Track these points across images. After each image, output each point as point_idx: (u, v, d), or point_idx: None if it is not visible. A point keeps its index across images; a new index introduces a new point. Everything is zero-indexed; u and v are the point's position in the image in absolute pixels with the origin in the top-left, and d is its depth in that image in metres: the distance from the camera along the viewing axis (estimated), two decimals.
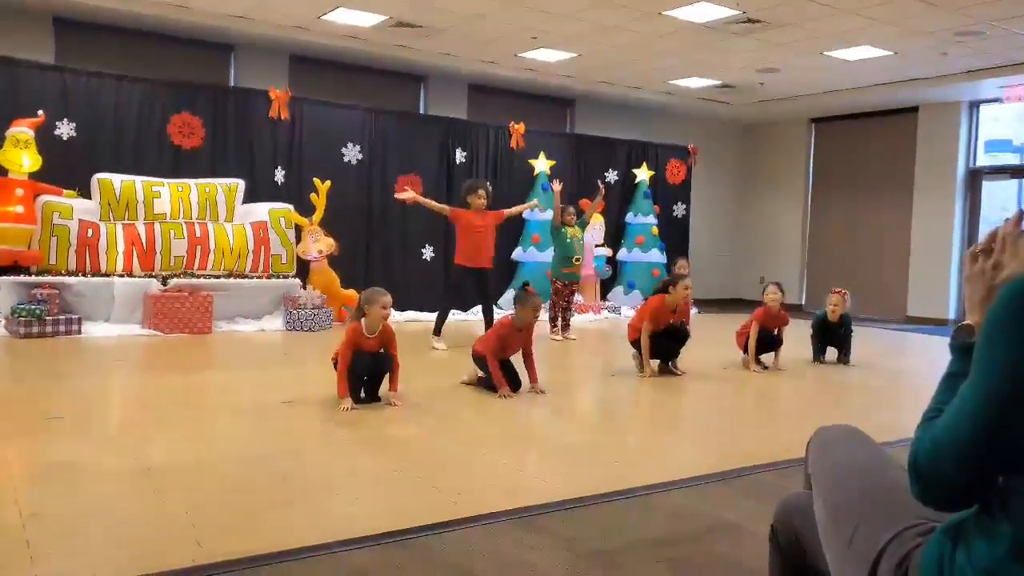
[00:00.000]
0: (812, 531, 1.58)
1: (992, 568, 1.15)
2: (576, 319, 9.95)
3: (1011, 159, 11.90)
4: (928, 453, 1.22)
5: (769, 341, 6.99)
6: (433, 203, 7.87)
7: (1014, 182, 11.98)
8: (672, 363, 6.57)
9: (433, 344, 7.36)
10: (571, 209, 8.99)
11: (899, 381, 7.00)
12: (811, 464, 1.71)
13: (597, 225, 11.55)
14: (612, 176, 12.36)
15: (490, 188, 7.87)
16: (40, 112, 7.92)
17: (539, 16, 8.80)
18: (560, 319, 8.73)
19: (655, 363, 6.45)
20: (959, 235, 12.11)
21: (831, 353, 7.55)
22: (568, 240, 8.65)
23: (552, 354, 7.67)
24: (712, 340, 8.58)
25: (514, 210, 8.30)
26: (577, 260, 8.69)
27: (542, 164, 11.36)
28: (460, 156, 10.83)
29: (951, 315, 12.04)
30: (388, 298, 4.89)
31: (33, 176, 7.81)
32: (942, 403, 1.28)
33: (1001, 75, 10.36)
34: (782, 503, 1.79)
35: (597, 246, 11.51)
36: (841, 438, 1.72)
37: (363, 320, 4.87)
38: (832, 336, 7.47)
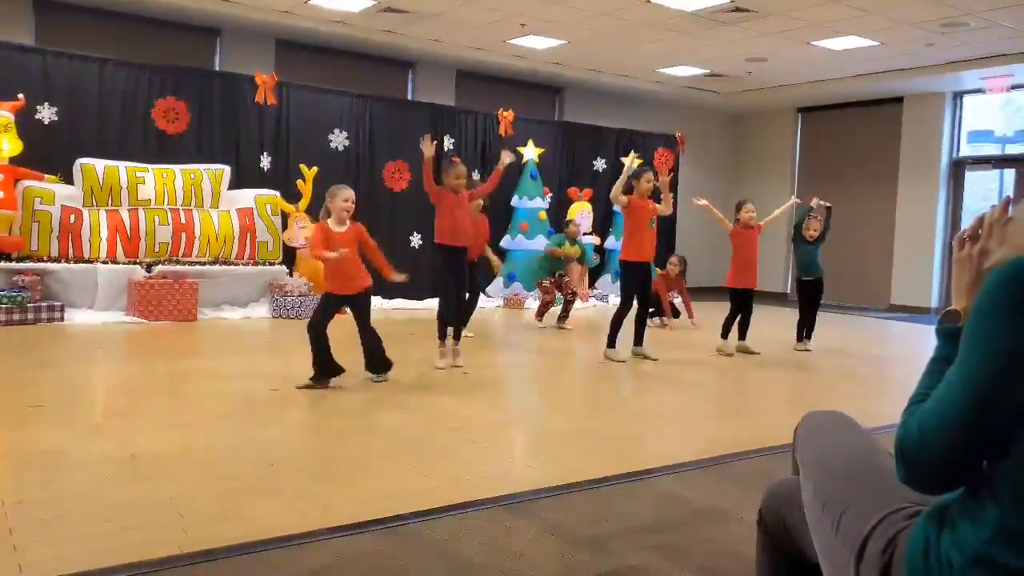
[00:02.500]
0: (800, 516, 1.59)
1: (978, 551, 1.16)
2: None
3: (993, 149, 11.99)
4: (914, 437, 1.23)
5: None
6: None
7: (996, 172, 12.08)
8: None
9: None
10: (576, 224, 9.18)
11: (883, 368, 7.07)
12: (799, 450, 1.72)
13: (585, 213, 11.55)
14: (601, 164, 12.35)
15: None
16: (20, 95, 7.81)
17: (528, 2, 8.75)
18: (561, 309, 8.78)
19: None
20: (942, 224, 12.21)
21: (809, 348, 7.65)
22: (563, 260, 8.77)
23: (540, 341, 7.68)
24: (699, 328, 8.62)
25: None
26: (561, 275, 8.79)
27: (530, 152, 11.33)
28: (448, 143, 10.78)
29: (934, 303, 12.15)
30: (350, 191, 5.05)
31: (13, 161, 7.70)
32: (928, 388, 1.29)
33: (984, 66, 10.42)
34: (770, 489, 1.80)
35: (585, 234, 11.51)
36: (829, 424, 1.73)
37: (329, 220, 5.01)
38: (807, 259, 7.61)
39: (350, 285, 5.04)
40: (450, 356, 5.85)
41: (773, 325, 8.79)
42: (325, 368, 4.92)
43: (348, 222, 5.04)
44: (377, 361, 5.17)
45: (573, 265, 8.99)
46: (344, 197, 5.00)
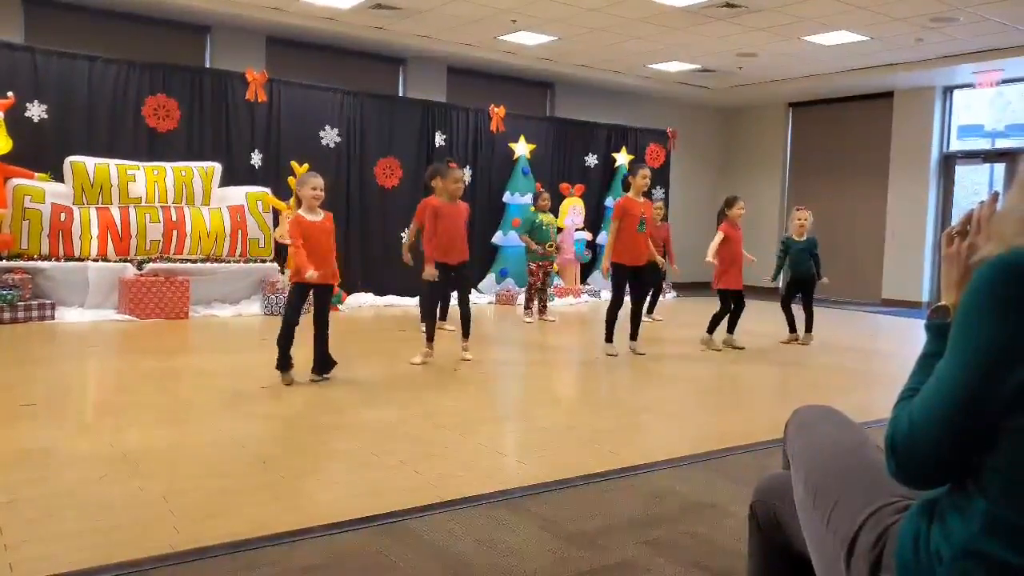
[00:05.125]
0: (791, 510, 1.60)
1: (967, 544, 1.17)
2: (556, 302, 9.99)
3: (983, 144, 12.04)
4: (904, 432, 1.24)
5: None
6: None
7: (986, 167, 12.13)
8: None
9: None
10: (546, 195, 9.02)
11: (874, 362, 7.09)
12: (790, 444, 1.72)
13: (577, 209, 11.56)
14: (592, 160, 12.36)
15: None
16: (9, 93, 7.76)
17: None
18: (536, 301, 8.79)
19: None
20: (933, 219, 12.26)
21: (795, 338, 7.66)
22: (544, 228, 8.68)
23: (532, 336, 7.69)
24: (690, 323, 8.63)
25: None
26: (550, 246, 8.72)
27: (522, 148, 11.32)
28: (439, 139, 10.77)
29: (925, 297, 12.21)
30: (319, 179, 5.03)
31: (3, 159, 7.64)
32: (918, 383, 1.29)
33: (974, 61, 10.46)
34: (761, 483, 1.80)
35: (577, 230, 11.53)
36: (820, 418, 1.74)
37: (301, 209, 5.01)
38: (799, 260, 7.57)
39: (325, 274, 4.96)
40: (430, 356, 5.83)
41: (765, 320, 8.82)
42: (288, 359, 4.95)
43: (320, 211, 5.01)
44: (324, 361, 5.10)
45: (555, 244, 8.91)
46: (312, 185, 4.97)
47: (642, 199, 6.46)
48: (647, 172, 6.43)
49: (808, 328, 7.61)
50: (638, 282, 6.52)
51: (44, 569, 2.27)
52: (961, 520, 1.19)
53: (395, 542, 2.57)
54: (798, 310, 7.66)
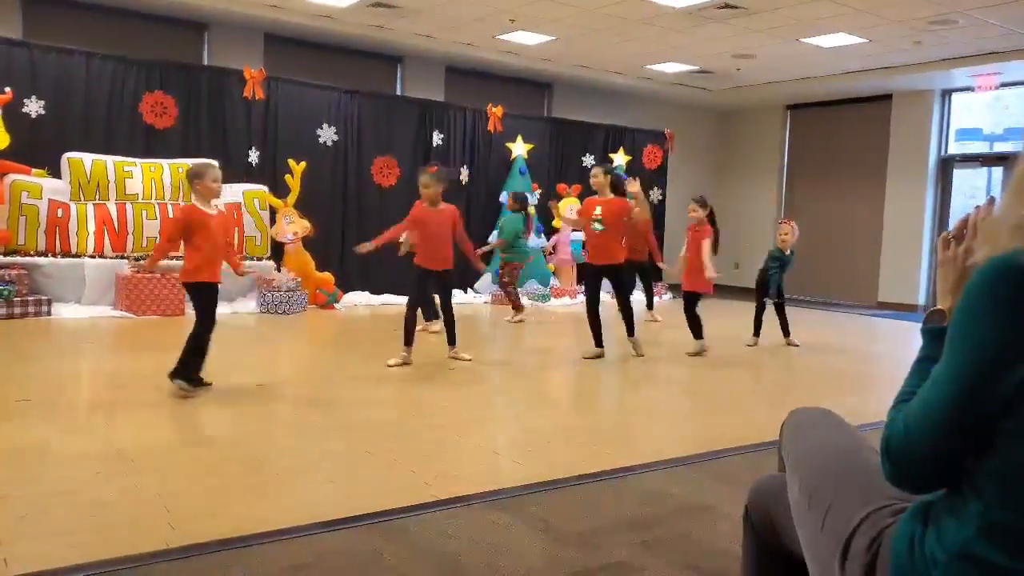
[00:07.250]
0: (786, 512, 1.60)
1: (961, 547, 1.17)
2: (552, 303, 10.00)
3: (981, 147, 12.06)
4: (900, 434, 1.24)
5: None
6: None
7: (984, 170, 12.15)
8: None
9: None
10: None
11: (870, 365, 7.10)
12: (785, 446, 1.72)
13: (574, 210, 11.55)
14: (590, 160, 12.35)
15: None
16: (7, 89, 7.74)
17: None
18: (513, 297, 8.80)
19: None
20: (930, 222, 12.28)
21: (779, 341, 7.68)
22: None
23: (527, 337, 7.69)
24: (684, 325, 8.62)
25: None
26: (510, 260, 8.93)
27: (519, 148, 11.32)
28: (437, 139, 10.76)
29: (921, 301, 12.22)
30: (217, 171, 4.58)
31: (0, 155, 7.63)
32: (914, 387, 1.29)
33: (973, 64, 10.48)
34: (756, 485, 1.80)
35: (573, 231, 11.51)
36: (815, 420, 1.74)
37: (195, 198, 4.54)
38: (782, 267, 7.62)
39: (218, 271, 4.64)
40: (409, 356, 5.75)
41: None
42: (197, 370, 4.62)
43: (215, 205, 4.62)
44: (184, 364, 4.56)
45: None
46: (213, 177, 4.52)
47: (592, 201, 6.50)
48: (596, 172, 6.54)
49: (756, 332, 7.60)
50: (619, 281, 6.54)
51: (37, 565, 2.26)
52: (956, 523, 1.19)
53: (388, 541, 2.56)
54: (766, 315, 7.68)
